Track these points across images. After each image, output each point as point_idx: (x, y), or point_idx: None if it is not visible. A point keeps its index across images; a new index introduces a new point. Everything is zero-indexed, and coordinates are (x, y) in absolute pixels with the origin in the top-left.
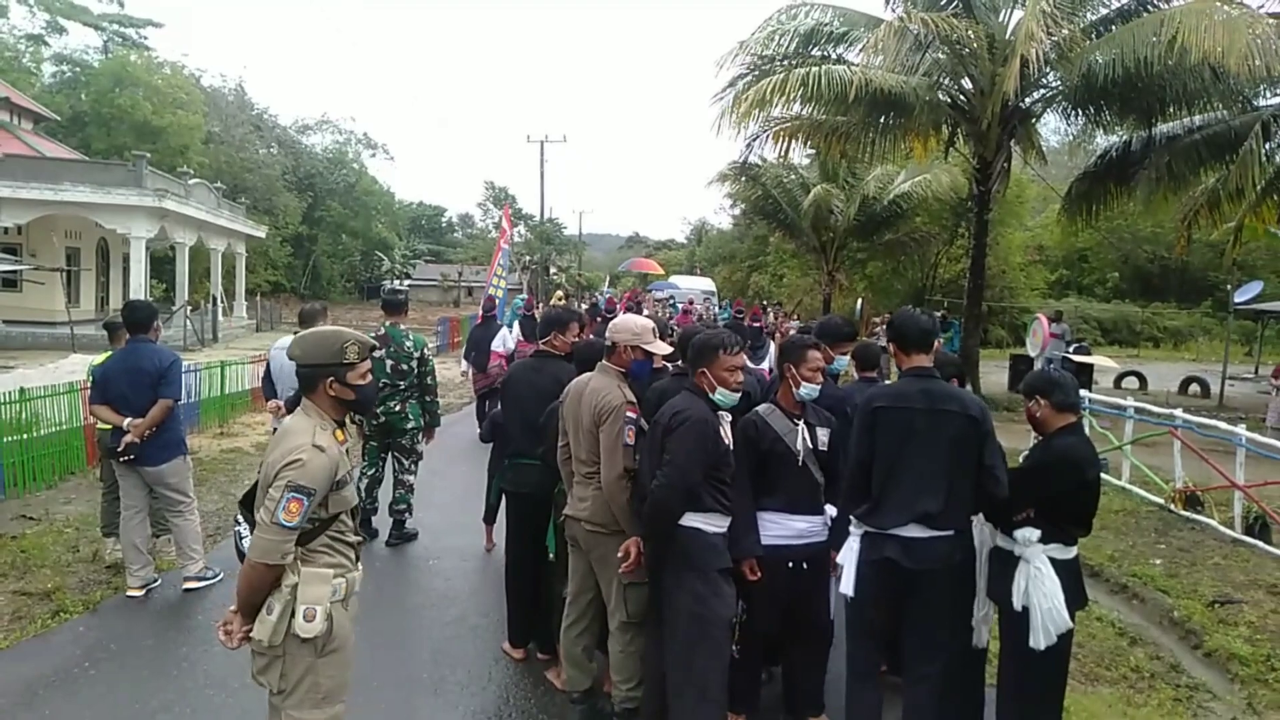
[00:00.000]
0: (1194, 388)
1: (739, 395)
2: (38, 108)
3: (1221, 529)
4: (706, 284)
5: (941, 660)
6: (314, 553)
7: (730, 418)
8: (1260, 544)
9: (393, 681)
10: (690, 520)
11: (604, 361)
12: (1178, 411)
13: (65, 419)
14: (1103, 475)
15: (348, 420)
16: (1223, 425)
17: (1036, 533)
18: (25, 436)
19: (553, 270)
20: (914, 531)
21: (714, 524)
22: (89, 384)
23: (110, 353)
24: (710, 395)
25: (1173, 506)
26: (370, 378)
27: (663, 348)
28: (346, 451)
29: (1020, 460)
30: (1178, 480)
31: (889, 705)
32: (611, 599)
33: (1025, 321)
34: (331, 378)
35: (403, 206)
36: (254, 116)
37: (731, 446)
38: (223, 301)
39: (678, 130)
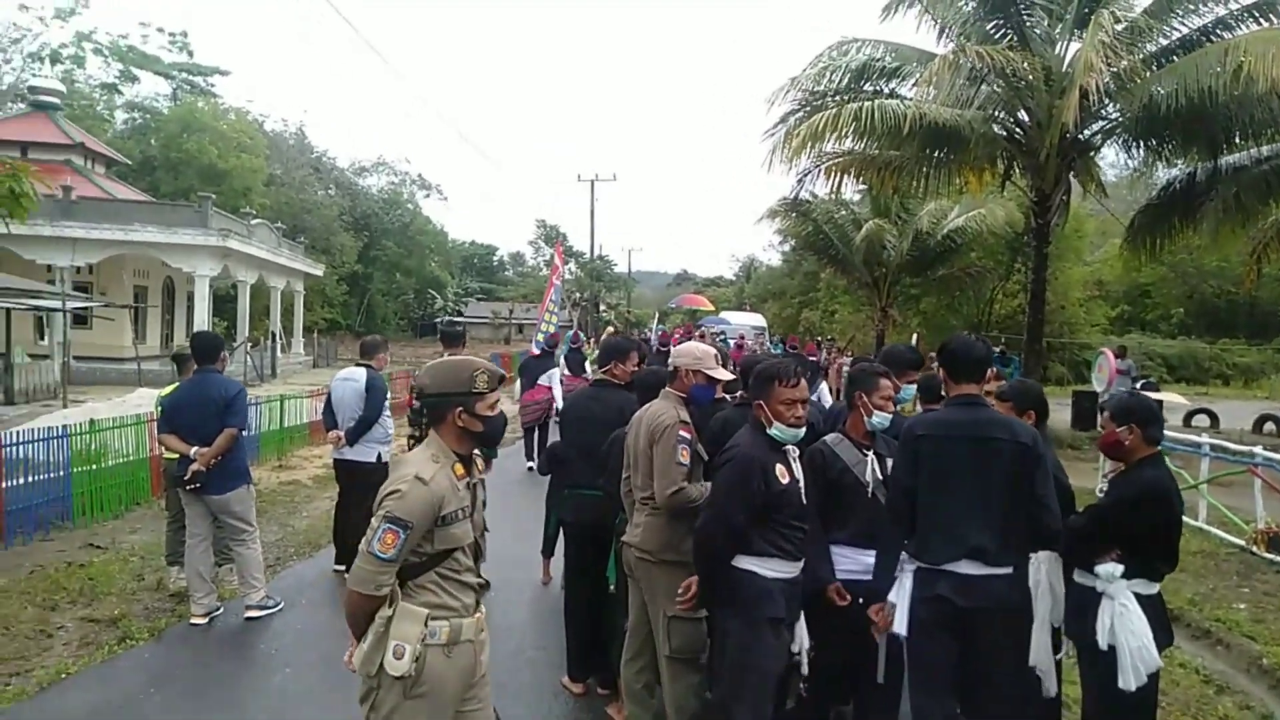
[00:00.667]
0: (1269, 426)
1: (799, 431)
2: (110, 152)
3: None
4: (757, 320)
5: (1007, 710)
6: (419, 589)
7: (797, 453)
8: None
9: None
10: (743, 563)
11: (668, 389)
12: (1257, 449)
13: (132, 450)
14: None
15: (475, 455)
16: None
17: (1120, 568)
18: (94, 467)
19: (602, 307)
20: (967, 568)
21: (771, 569)
22: (157, 414)
23: (178, 384)
24: (768, 430)
25: (1255, 548)
26: (499, 409)
27: (725, 374)
28: (472, 486)
29: (1099, 494)
30: (1260, 521)
31: None
32: (658, 630)
33: (1086, 358)
34: (460, 408)
35: (455, 245)
36: (313, 159)
37: (800, 484)
38: (281, 338)
39: (726, 169)
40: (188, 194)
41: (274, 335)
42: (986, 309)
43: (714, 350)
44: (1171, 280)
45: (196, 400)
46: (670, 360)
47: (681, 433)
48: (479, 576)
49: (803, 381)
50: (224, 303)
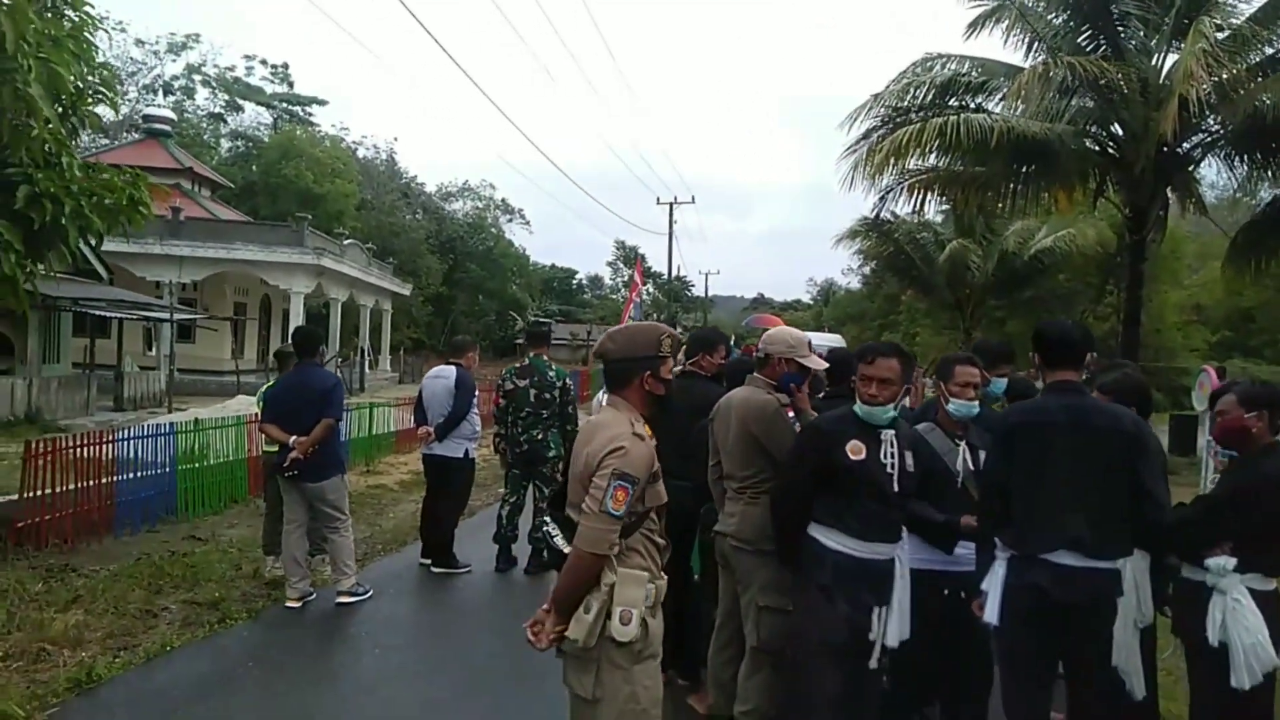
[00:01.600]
0: None
1: (877, 410)
2: (216, 177)
3: None
4: (836, 340)
5: (1101, 710)
6: (630, 551)
7: (893, 435)
8: None
9: (535, 708)
10: (812, 529)
11: (756, 375)
12: None
13: (232, 450)
14: None
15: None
16: None
17: (1233, 561)
18: (197, 465)
19: (679, 328)
20: (1065, 559)
21: (833, 540)
22: (259, 407)
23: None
24: (854, 408)
25: None
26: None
27: (818, 362)
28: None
29: (1212, 485)
30: None
31: None
32: (748, 621)
33: (1184, 384)
34: (648, 371)
35: (536, 269)
36: (402, 185)
37: (886, 467)
38: (370, 355)
39: (803, 194)
40: (285, 217)
41: (363, 351)
42: None
43: (806, 337)
44: (1277, 304)
45: (296, 391)
46: (762, 345)
47: (789, 414)
48: (664, 537)
49: (881, 360)
50: (316, 320)
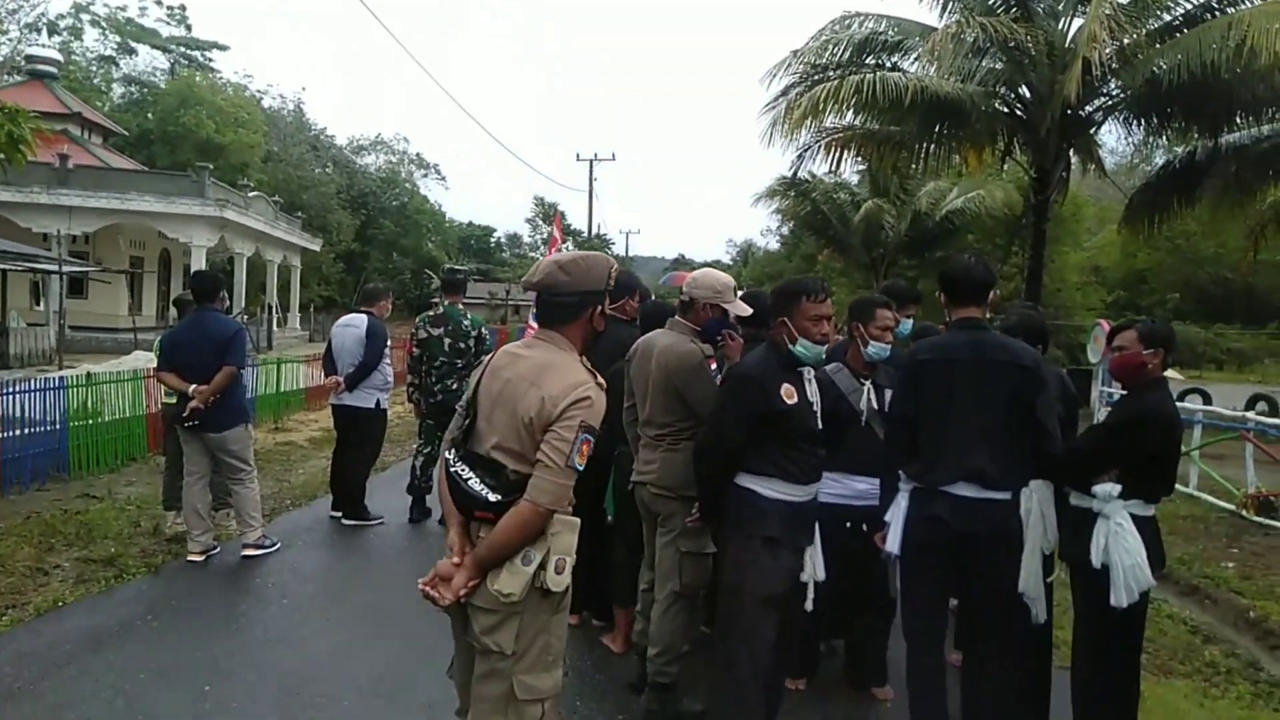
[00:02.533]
0: (1261, 405)
1: (823, 349)
2: (108, 123)
3: None
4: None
5: (1001, 636)
6: None
7: (812, 375)
8: None
9: (445, 646)
10: (744, 480)
11: (678, 319)
12: (1250, 414)
13: (129, 406)
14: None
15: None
16: None
17: (1117, 488)
18: (90, 422)
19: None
20: (964, 490)
21: (771, 489)
22: (157, 354)
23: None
24: (791, 347)
25: (1245, 512)
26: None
27: (743, 308)
28: None
29: (1103, 417)
30: (1250, 485)
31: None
32: (665, 564)
33: (1081, 340)
34: (599, 305)
35: (453, 226)
36: (311, 137)
37: (813, 407)
38: (278, 312)
39: (723, 156)
40: (185, 167)
41: (270, 309)
42: None
43: (733, 281)
44: (1168, 266)
45: (196, 338)
46: (686, 289)
47: (711, 367)
48: None
49: (827, 298)
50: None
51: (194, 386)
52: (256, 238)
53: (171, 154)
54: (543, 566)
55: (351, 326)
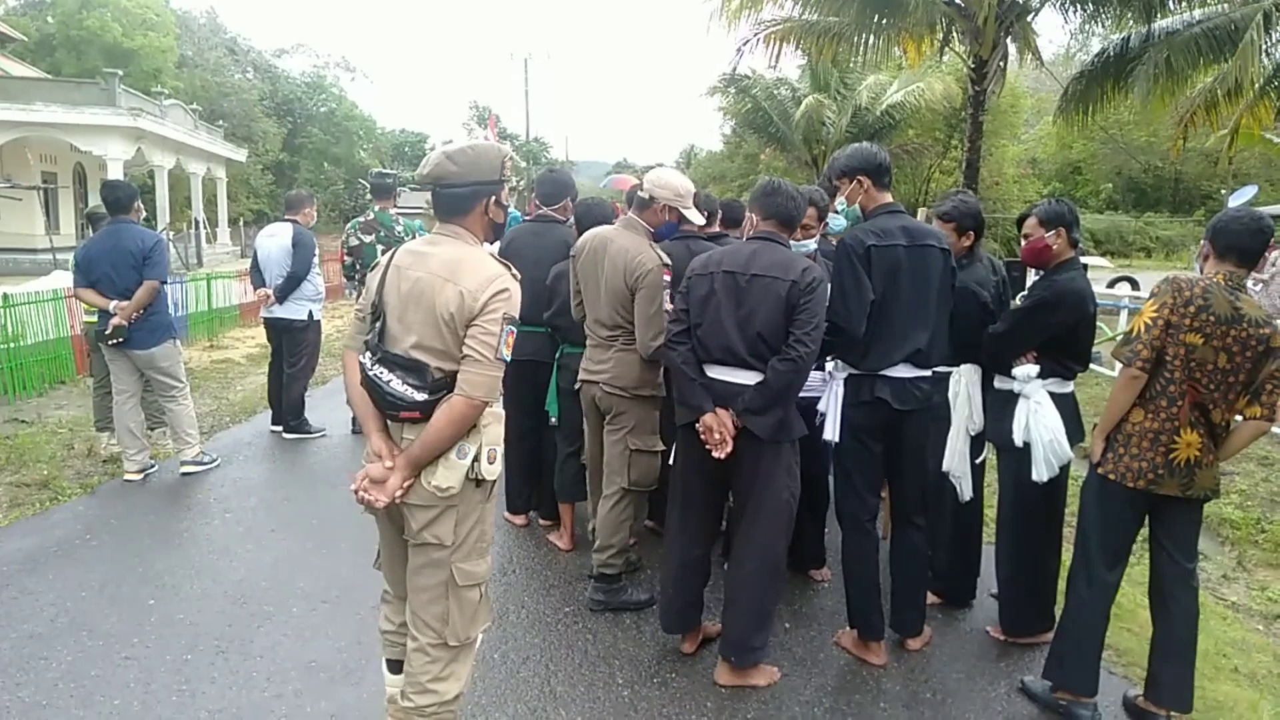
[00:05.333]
0: (1123, 285)
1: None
2: (4, 28)
3: None
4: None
5: (931, 510)
6: None
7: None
8: None
9: None
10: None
11: (633, 216)
12: (1122, 292)
13: (52, 328)
14: (1095, 367)
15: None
16: None
17: (1035, 369)
18: (13, 345)
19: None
20: (903, 371)
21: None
22: (73, 269)
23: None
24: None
25: None
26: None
27: (698, 217)
28: None
29: (1018, 301)
30: None
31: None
32: (615, 461)
33: (1015, 234)
34: (493, 196)
35: (385, 134)
36: (228, 40)
37: None
38: (206, 228)
39: (668, 62)
40: (92, 74)
41: (197, 224)
42: (924, 186)
43: (694, 188)
44: (1102, 157)
45: (111, 252)
46: (647, 186)
47: (666, 278)
48: None
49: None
50: (143, 194)
51: (115, 303)
52: (176, 149)
53: (77, 61)
54: (476, 459)
55: (276, 236)
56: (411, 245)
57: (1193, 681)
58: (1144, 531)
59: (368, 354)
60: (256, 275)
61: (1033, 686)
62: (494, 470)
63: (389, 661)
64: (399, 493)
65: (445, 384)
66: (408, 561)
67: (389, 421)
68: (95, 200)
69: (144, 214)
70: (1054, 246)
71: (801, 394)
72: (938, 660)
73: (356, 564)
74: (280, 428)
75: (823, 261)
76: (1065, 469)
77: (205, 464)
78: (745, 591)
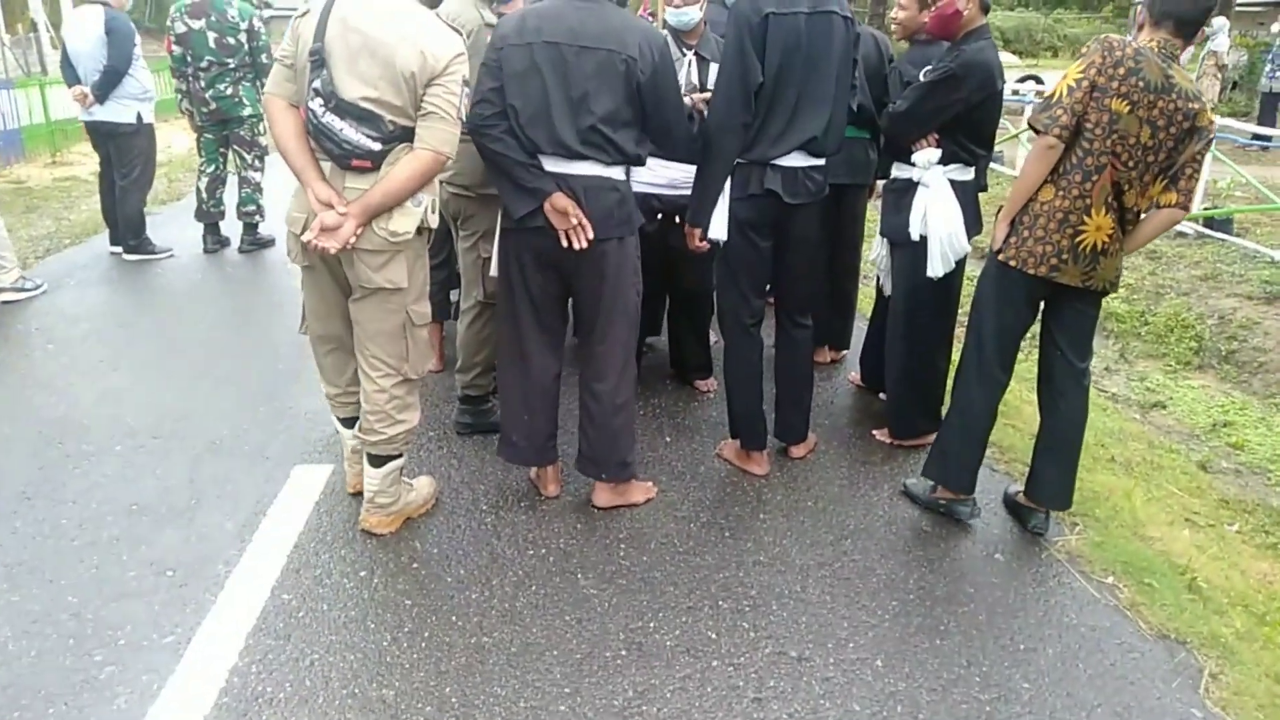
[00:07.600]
0: (1030, 83)
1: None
2: None
3: None
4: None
5: (816, 308)
6: None
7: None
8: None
9: (270, 375)
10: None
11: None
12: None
13: None
14: (998, 166)
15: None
16: None
17: (937, 153)
18: None
19: None
20: (796, 160)
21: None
22: None
23: None
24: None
25: None
26: None
27: None
28: None
29: (923, 76)
30: None
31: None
32: (469, 272)
33: None
34: None
35: None
36: None
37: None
38: (50, 31)
39: None
40: None
41: (35, 26)
42: None
43: None
44: None
45: None
46: None
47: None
48: None
49: None
50: None
51: None
52: None
53: None
54: (427, 208)
55: (86, 23)
56: None
57: (1074, 481)
58: (1035, 329)
59: (318, 100)
60: (69, 71)
61: (914, 489)
62: (434, 219)
63: (341, 420)
64: (351, 240)
65: (398, 135)
66: (351, 313)
67: (333, 169)
68: None
69: None
70: (965, 11)
71: (668, 191)
72: (821, 467)
73: (196, 396)
74: (120, 249)
75: (713, 40)
76: (961, 264)
77: (27, 291)
78: (608, 403)
